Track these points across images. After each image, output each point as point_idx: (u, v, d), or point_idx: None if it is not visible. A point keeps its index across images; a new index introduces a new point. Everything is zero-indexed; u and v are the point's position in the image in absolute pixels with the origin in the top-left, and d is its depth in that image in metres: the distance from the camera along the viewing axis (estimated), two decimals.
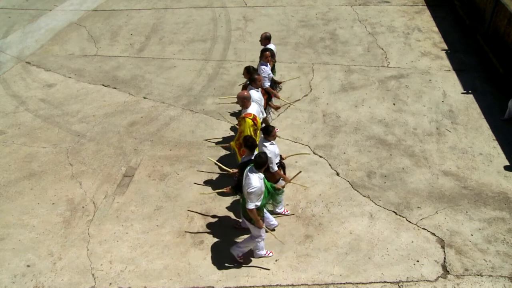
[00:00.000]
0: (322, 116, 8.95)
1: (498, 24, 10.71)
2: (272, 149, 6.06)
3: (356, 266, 6.00)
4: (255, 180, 5.27)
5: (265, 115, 7.28)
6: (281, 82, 8.50)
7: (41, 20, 13.54)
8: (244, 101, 6.46)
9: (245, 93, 6.49)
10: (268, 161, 5.76)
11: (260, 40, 8.19)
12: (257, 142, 6.16)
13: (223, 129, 8.68)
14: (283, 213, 6.79)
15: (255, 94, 6.98)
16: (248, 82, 7.27)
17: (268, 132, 6.05)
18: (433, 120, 8.71)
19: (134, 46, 11.86)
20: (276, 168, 6.17)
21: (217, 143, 8.22)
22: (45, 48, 11.95)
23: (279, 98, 8.11)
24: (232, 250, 6.05)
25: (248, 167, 5.44)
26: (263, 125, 6.78)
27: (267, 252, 6.17)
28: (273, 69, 8.08)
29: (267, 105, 7.73)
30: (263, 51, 7.66)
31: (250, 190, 5.26)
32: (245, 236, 6.10)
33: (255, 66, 8.26)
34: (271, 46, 8.14)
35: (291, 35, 12.08)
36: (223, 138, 8.43)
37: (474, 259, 6.05)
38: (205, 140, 8.26)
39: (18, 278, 5.99)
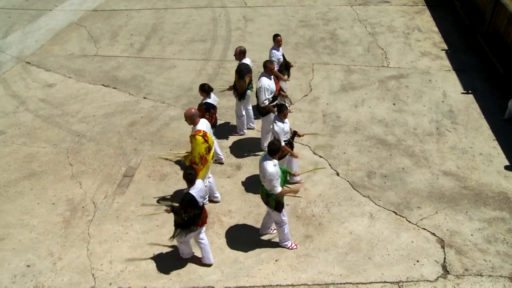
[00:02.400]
0: (322, 116, 8.95)
1: (498, 24, 10.71)
2: (281, 126, 6.53)
3: (356, 266, 6.00)
4: (270, 167, 5.53)
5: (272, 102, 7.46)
6: (292, 65, 8.62)
7: (41, 20, 13.54)
8: (192, 119, 6.38)
9: (192, 110, 6.39)
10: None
11: (234, 55, 8.01)
12: (209, 163, 6.34)
13: (223, 128, 8.68)
14: (300, 182, 7.24)
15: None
16: (203, 101, 7.26)
17: (281, 110, 6.52)
18: (433, 120, 8.71)
19: (134, 46, 11.86)
20: (282, 144, 6.52)
21: (169, 155, 8.04)
22: (45, 48, 11.95)
23: (285, 80, 8.42)
24: (281, 245, 6.27)
25: (263, 154, 5.70)
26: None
27: (291, 244, 6.26)
28: (249, 84, 8.03)
29: (278, 93, 7.77)
30: (275, 36, 8.22)
31: (268, 178, 5.52)
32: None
33: (255, 66, 8.32)
34: (246, 60, 7.98)
35: (291, 35, 12.08)
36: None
37: (474, 259, 6.05)
38: (160, 157, 7.89)
39: (18, 278, 5.99)
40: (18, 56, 11.55)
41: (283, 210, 5.92)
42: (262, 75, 7.41)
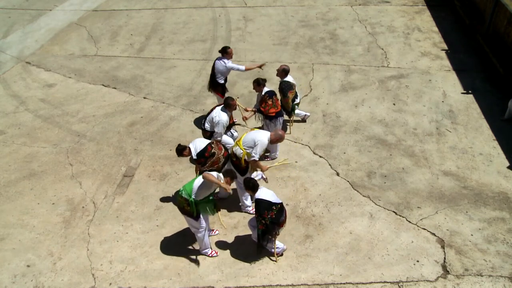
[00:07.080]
0: (322, 116, 8.95)
1: (498, 24, 10.71)
2: (224, 118, 6.93)
3: (356, 266, 6.00)
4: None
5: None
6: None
7: (41, 20, 13.54)
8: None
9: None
10: (217, 127, 6.89)
11: (277, 73, 7.99)
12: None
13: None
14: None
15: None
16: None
17: (226, 104, 6.98)
18: (433, 120, 8.71)
19: (134, 46, 11.86)
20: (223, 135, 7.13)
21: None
22: (45, 48, 11.95)
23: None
24: (202, 253, 6.23)
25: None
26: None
27: (211, 252, 6.22)
28: (293, 100, 7.99)
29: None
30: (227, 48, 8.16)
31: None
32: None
33: (256, 67, 8.36)
34: (288, 78, 7.93)
35: (291, 35, 12.08)
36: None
37: (474, 259, 6.05)
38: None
39: (18, 278, 5.99)
40: (18, 56, 11.55)
41: (201, 216, 5.86)
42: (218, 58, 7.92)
